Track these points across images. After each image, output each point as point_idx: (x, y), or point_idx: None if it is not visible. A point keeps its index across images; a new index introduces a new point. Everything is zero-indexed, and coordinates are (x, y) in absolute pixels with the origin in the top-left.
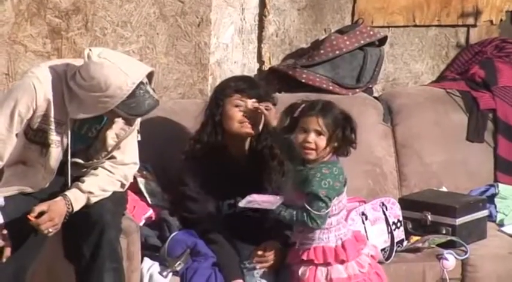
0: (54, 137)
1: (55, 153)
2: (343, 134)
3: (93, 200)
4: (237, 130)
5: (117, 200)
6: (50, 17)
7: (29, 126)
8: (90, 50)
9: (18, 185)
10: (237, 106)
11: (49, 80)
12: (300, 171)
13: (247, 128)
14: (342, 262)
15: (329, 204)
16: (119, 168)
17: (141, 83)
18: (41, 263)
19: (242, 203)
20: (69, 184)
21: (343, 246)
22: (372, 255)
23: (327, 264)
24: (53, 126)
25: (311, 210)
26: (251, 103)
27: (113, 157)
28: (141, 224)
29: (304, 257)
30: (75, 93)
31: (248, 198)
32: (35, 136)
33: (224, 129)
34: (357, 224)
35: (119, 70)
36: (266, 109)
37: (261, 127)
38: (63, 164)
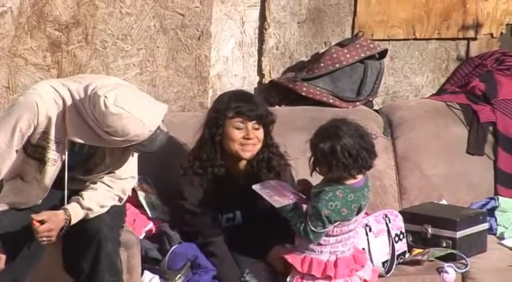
0: (51, 155)
1: (50, 172)
2: (331, 164)
3: (91, 216)
4: (236, 151)
5: (115, 213)
6: (50, 30)
7: (29, 142)
8: (105, 97)
9: (12, 200)
10: (237, 128)
11: (51, 98)
12: (323, 185)
13: (247, 151)
14: (328, 278)
15: (327, 225)
16: (117, 183)
17: None
18: (40, 274)
19: (257, 186)
20: (66, 200)
21: (335, 262)
22: (365, 280)
23: (312, 276)
24: (51, 144)
25: (309, 223)
26: (251, 125)
27: (111, 172)
28: (142, 237)
29: (294, 265)
30: (84, 119)
31: (266, 184)
32: (34, 152)
33: (223, 148)
34: (361, 236)
35: (137, 120)
36: None
37: (259, 147)
38: (60, 178)
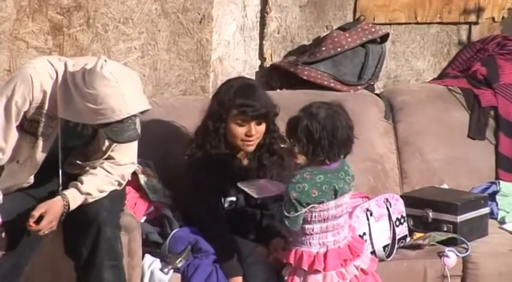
0: (43, 129)
1: (41, 147)
2: (291, 137)
3: (90, 200)
4: (239, 146)
5: (114, 197)
6: (51, 14)
7: (24, 116)
8: (105, 60)
9: (8, 184)
10: (240, 125)
11: (46, 72)
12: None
13: (250, 146)
14: (318, 272)
15: (298, 208)
16: (116, 169)
17: (134, 115)
18: (42, 258)
19: (243, 184)
20: (61, 181)
21: (325, 254)
22: (362, 269)
23: (304, 271)
24: (44, 119)
25: (283, 209)
26: (254, 123)
27: (111, 157)
28: (143, 220)
29: (285, 259)
30: (69, 92)
31: (254, 181)
32: (30, 127)
33: (226, 139)
34: (362, 220)
35: (120, 95)
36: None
37: (261, 137)
38: (59, 162)
